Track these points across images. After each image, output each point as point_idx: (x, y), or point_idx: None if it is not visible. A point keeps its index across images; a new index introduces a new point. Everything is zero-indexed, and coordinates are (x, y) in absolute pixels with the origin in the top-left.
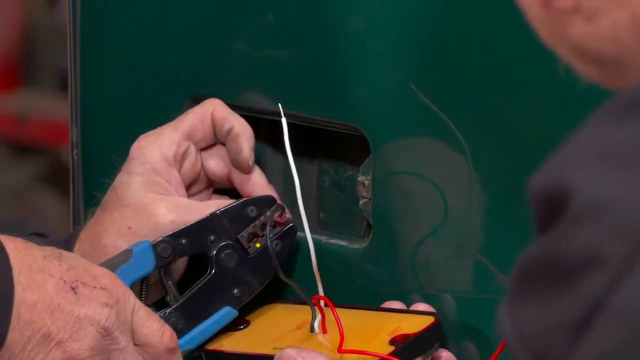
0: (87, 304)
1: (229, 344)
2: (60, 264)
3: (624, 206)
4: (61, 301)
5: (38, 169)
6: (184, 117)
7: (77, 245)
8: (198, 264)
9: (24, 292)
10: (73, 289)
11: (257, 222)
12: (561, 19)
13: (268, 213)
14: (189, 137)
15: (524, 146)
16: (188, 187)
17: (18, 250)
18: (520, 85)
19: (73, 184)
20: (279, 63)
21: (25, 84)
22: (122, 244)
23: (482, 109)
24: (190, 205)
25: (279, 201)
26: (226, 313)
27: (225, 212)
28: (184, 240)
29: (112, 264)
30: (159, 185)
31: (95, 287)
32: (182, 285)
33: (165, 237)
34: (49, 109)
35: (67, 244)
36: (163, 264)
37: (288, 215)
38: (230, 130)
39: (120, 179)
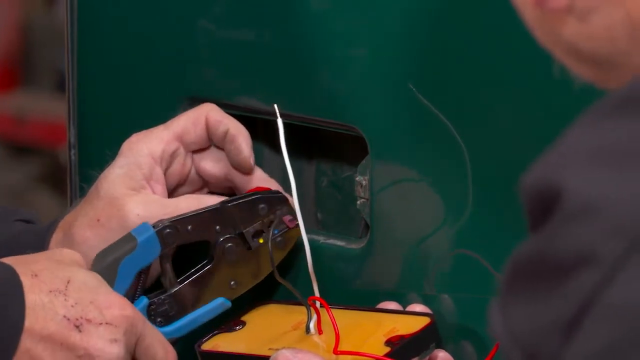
0: (92, 342)
1: (225, 344)
2: (65, 299)
3: (616, 205)
4: (64, 341)
5: (36, 169)
6: (177, 118)
7: (55, 234)
8: (197, 250)
9: (26, 333)
10: (77, 327)
11: (265, 220)
12: (555, 19)
13: (278, 212)
14: (179, 138)
15: (521, 146)
16: (176, 188)
17: (25, 286)
18: (516, 85)
19: (70, 184)
20: (277, 63)
21: (23, 84)
22: (90, 235)
23: (480, 108)
24: (157, 200)
25: (291, 202)
26: (220, 304)
27: (237, 205)
28: (190, 227)
29: (116, 256)
30: (135, 180)
31: (101, 324)
32: (178, 269)
33: (172, 221)
34: (47, 110)
35: (49, 231)
36: (167, 249)
37: (297, 221)
38: (226, 133)
39: (104, 172)
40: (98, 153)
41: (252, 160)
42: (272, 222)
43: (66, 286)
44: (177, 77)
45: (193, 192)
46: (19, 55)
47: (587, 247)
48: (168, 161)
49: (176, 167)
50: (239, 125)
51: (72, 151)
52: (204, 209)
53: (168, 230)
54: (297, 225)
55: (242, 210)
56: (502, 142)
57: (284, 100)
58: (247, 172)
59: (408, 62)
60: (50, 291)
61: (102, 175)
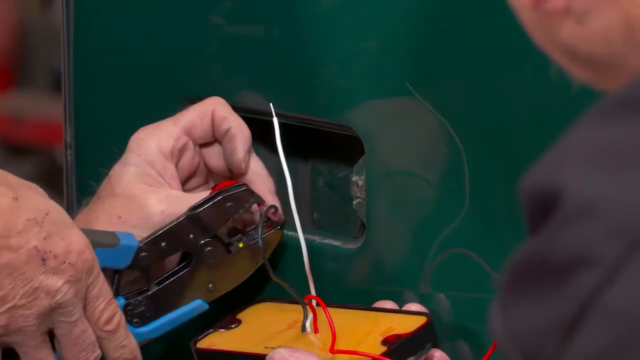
0: (50, 277)
1: (221, 342)
2: (39, 230)
3: (615, 206)
4: (27, 270)
5: (32, 169)
6: (184, 113)
7: None
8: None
9: None
10: (43, 259)
11: (235, 217)
12: (552, 21)
13: (246, 205)
14: (187, 132)
15: (519, 146)
16: (186, 181)
17: (2, 208)
18: (515, 86)
19: (67, 184)
20: (273, 63)
21: (19, 84)
22: None
23: (477, 108)
24: (180, 196)
25: (275, 199)
26: (197, 306)
27: (205, 210)
28: (163, 244)
29: (93, 240)
30: (152, 177)
31: (65, 262)
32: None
33: (146, 243)
34: (43, 110)
35: None
36: (137, 267)
37: (281, 214)
38: (227, 131)
39: (115, 168)
40: (94, 153)
41: (244, 164)
42: (245, 221)
43: (43, 218)
44: (173, 77)
45: (203, 183)
46: (15, 55)
47: (586, 248)
48: (178, 157)
49: (186, 161)
50: (241, 125)
51: (69, 151)
52: (173, 222)
53: (143, 254)
54: (278, 221)
55: (211, 214)
56: (499, 142)
57: (280, 100)
58: (239, 172)
59: (405, 61)
60: (28, 219)
61: (113, 172)
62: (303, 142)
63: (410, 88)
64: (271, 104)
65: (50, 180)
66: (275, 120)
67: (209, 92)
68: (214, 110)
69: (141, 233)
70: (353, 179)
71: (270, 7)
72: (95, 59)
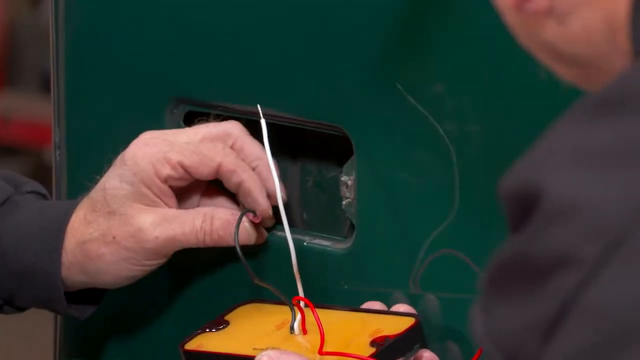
0: None
1: (209, 344)
2: None
3: (595, 206)
4: None
5: (21, 170)
6: (189, 151)
7: (67, 240)
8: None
9: None
10: None
11: None
12: (535, 22)
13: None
14: (185, 168)
15: (508, 146)
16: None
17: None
18: (504, 86)
19: (56, 184)
20: (261, 62)
21: (8, 84)
22: (106, 252)
23: (467, 108)
24: (176, 217)
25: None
26: None
27: None
28: None
29: None
30: (148, 197)
31: None
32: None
33: None
34: (32, 110)
35: (59, 232)
36: None
37: (270, 215)
38: (239, 185)
39: (111, 182)
40: (84, 154)
41: (269, 209)
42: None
43: None
44: (163, 78)
45: (195, 183)
46: (4, 55)
47: (566, 248)
48: (173, 182)
49: (183, 182)
50: (251, 175)
51: (57, 152)
52: None
53: None
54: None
55: None
56: (489, 142)
57: (269, 100)
58: (269, 217)
59: (395, 61)
60: None
61: (109, 186)
62: (292, 142)
63: (400, 88)
64: (258, 106)
65: (39, 181)
66: (263, 122)
67: (199, 93)
68: (220, 164)
69: (135, 256)
70: (342, 179)
71: (259, 8)
72: (84, 59)
